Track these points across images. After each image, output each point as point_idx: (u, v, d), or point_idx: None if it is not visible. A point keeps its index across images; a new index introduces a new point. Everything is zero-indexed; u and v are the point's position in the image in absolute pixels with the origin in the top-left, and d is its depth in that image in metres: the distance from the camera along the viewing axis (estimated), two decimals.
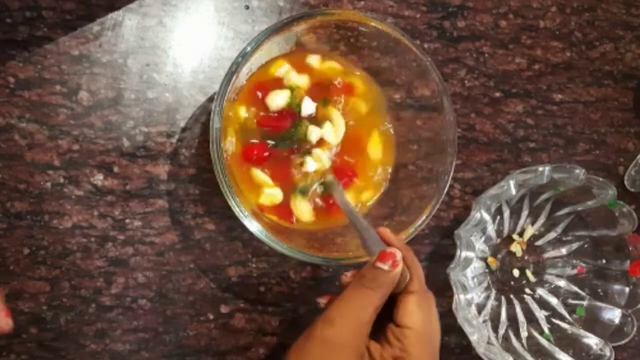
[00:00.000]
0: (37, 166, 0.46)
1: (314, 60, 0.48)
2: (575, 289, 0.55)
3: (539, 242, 0.56)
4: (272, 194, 0.46)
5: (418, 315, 0.38)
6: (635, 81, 0.59)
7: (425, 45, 0.54)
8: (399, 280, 0.38)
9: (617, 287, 0.53)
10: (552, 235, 0.56)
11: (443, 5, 0.54)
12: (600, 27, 0.59)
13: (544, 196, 0.54)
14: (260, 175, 0.45)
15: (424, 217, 0.45)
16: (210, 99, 0.49)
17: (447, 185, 0.46)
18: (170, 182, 0.48)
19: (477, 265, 0.54)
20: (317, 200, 0.47)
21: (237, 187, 0.45)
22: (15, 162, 0.46)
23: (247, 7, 0.50)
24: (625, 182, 0.58)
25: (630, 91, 0.59)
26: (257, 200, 0.46)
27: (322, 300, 0.41)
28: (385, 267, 0.37)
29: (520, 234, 0.56)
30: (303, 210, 0.46)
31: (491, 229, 0.55)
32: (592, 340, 0.52)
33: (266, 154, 0.46)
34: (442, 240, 0.54)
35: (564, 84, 0.57)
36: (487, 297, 0.54)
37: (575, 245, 0.56)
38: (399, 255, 0.38)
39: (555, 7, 0.58)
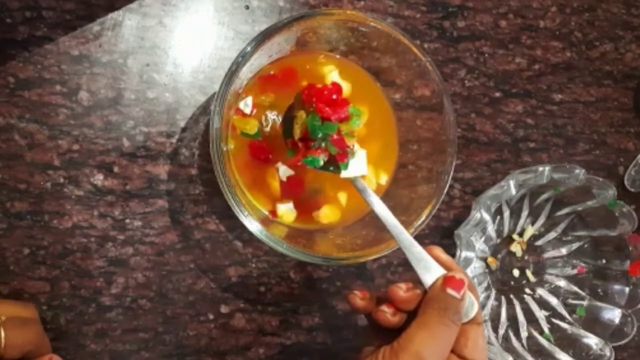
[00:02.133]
0: (37, 166, 0.46)
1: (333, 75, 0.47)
2: (575, 289, 0.55)
3: (539, 242, 0.56)
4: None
5: (485, 349, 0.36)
6: (635, 81, 0.59)
7: (425, 45, 0.54)
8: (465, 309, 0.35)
9: (617, 287, 0.53)
10: (552, 235, 0.56)
11: (443, 5, 0.54)
12: (600, 27, 0.59)
13: (544, 196, 0.54)
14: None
15: (424, 217, 0.45)
16: (210, 99, 0.49)
17: (447, 185, 0.46)
18: (170, 182, 0.48)
19: (477, 265, 0.54)
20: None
21: (236, 180, 0.45)
22: (15, 162, 0.46)
23: (247, 7, 0.50)
24: (625, 182, 0.58)
25: (630, 91, 0.59)
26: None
27: (359, 295, 0.38)
28: (458, 295, 0.34)
29: (520, 234, 0.56)
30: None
31: (491, 229, 0.55)
32: (592, 340, 0.52)
33: (270, 155, 0.46)
34: (442, 240, 0.54)
35: (564, 84, 0.57)
36: (487, 297, 0.54)
37: (575, 245, 0.56)
38: (467, 282, 0.35)
39: (555, 7, 0.58)
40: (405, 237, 0.38)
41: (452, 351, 0.35)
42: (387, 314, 0.36)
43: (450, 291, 0.35)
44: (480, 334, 0.36)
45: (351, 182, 0.43)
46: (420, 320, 0.34)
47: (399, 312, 0.36)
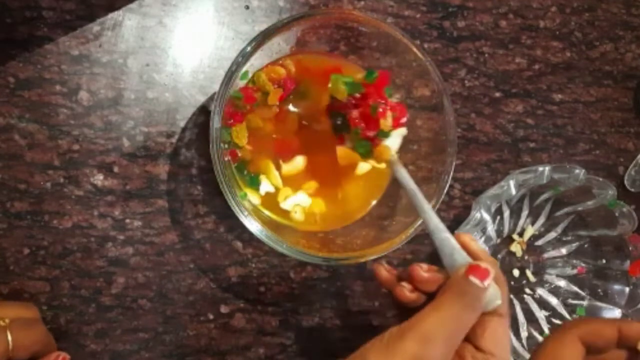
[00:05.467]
0: (37, 166, 0.46)
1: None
2: (575, 289, 0.55)
3: (539, 242, 0.56)
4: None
5: (505, 342, 0.34)
6: (635, 81, 0.59)
7: (425, 45, 0.54)
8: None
9: (617, 287, 0.53)
10: (552, 235, 0.56)
11: (443, 5, 0.54)
12: (600, 27, 0.59)
13: (544, 196, 0.54)
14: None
15: None
16: (210, 99, 0.49)
17: (447, 185, 0.46)
18: (170, 182, 0.48)
19: None
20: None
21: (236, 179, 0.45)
22: (15, 162, 0.46)
23: (247, 7, 0.50)
24: (625, 182, 0.58)
25: (630, 91, 0.59)
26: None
27: (385, 266, 0.37)
28: (480, 283, 0.33)
29: (520, 234, 0.56)
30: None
31: (491, 229, 0.55)
32: None
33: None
34: None
35: (564, 84, 0.57)
36: None
37: (575, 245, 0.56)
38: (492, 272, 0.33)
39: (555, 7, 0.58)
40: (434, 221, 0.37)
41: (469, 341, 0.34)
42: (405, 289, 0.35)
43: (472, 279, 0.33)
44: (501, 326, 0.34)
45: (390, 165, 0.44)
46: (435, 302, 0.33)
47: (417, 291, 0.35)
